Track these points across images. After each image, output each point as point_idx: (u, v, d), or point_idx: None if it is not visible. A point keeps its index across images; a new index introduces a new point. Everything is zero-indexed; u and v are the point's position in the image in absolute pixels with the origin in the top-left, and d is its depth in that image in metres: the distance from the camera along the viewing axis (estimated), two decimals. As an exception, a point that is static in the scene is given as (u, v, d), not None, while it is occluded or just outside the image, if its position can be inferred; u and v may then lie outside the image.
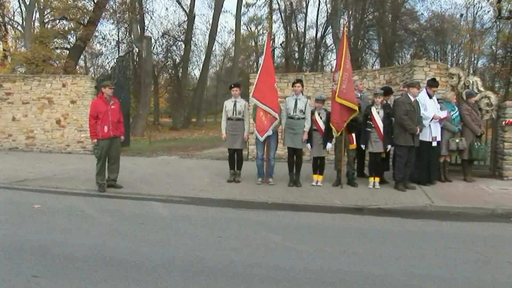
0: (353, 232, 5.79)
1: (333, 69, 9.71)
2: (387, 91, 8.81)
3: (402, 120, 7.98)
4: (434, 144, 8.44)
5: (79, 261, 4.42)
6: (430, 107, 8.31)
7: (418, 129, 7.99)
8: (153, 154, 14.53)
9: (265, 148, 8.68)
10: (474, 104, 8.99)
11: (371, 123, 8.19)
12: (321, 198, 7.58)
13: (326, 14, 37.67)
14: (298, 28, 41.29)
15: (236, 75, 35.18)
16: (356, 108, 8.13)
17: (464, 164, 9.10)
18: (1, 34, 28.63)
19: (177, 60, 35.45)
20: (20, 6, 29.02)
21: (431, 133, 8.38)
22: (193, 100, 35.15)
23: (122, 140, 8.49)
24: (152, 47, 30.05)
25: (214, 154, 14.49)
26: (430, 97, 8.45)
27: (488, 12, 30.87)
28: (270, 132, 8.45)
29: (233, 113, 8.76)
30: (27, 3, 24.07)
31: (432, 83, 8.52)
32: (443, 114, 8.45)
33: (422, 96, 8.38)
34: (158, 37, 33.72)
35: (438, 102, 8.64)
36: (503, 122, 9.12)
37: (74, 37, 25.95)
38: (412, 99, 8.09)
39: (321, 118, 8.39)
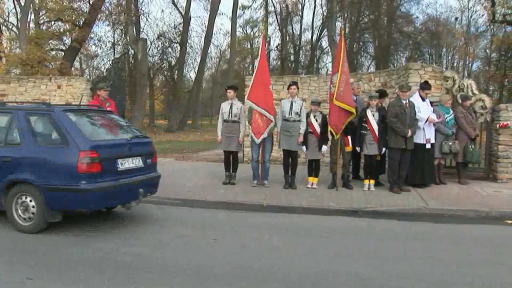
0: (348, 234, 5.81)
1: (329, 72, 9.74)
2: (381, 94, 8.85)
3: (391, 123, 8.02)
4: (428, 146, 8.48)
5: (72, 263, 4.41)
6: (423, 110, 8.35)
7: (410, 132, 8.01)
8: (149, 156, 14.47)
9: (260, 151, 8.69)
10: (469, 107, 9.04)
11: (366, 125, 8.21)
12: (317, 200, 7.60)
13: (321, 16, 37.89)
14: (294, 31, 41.48)
15: (231, 77, 35.19)
16: (354, 111, 8.15)
17: (459, 167, 9.13)
18: (-5, 35, 28.54)
19: (173, 62, 35.46)
20: (15, 7, 29.03)
21: (425, 135, 8.42)
22: (189, 102, 35.12)
23: None
24: (147, 49, 30.01)
25: (210, 156, 14.48)
26: (423, 99, 8.50)
27: (483, 15, 31.08)
28: (265, 135, 8.46)
29: (229, 115, 8.75)
30: (22, 4, 24.01)
31: (425, 86, 8.58)
32: (437, 119, 8.49)
33: (415, 99, 8.43)
34: (153, 39, 33.78)
35: (433, 105, 8.69)
36: (497, 125, 9.17)
37: (70, 39, 25.86)
38: (403, 102, 8.12)
39: (316, 120, 8.41)
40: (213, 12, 32.42)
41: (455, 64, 39.36)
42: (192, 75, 40.95)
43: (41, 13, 25.32)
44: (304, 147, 8.52)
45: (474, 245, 5.32)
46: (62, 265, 4.36)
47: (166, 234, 5.63)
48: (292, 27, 41.10)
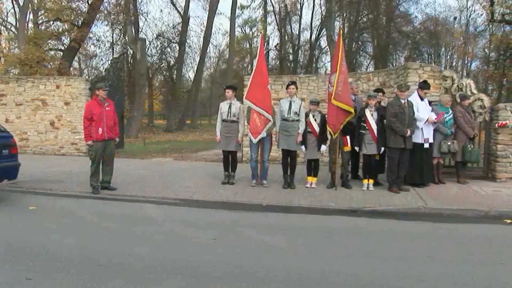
0: (348, 234, 5.80)
1: (328, 71, 9.72)
2: (379, 91, 8.91)
3: (390, 123, 8.02)
4: (426, 145, 8.47)
5: (70, 262, 4.40)
6: (421, 109, 8.35)
7: (409, 132, 8.01)
8: (147, 156, 14.49)
9: (259, 150, 8.69)
10: (468, 107, 9.04)
11: (365, 125, 8.21)
12: (316, 200, 7.59)
13: (320, 16, 37.90)
14: (293, 30, 41.51)
15: (230, 77, 35.22)
16: (352, 110, 8.14)
17: (457, 166, 9.14)
18: (-6, 35, 28.51)
19: (172, 62, 35.47)
20: (13, 7, 28.95)
21: (423, 134, 8.41)
22: (188, 102, 35.12)
23: (116, 142, 8.50)
24: (146, 49, 30.02)
25: (209, 156, 14.48)
26: (422, 99, 8.50)
27: (481, 15, 31.16)
28: (263, 134, 8.46)
29: (228, 115, 8.75)
30: (21, 4, 23.97)
31: (424, 86, 8.57)
32: (435, 116, 8.48)
33: (413, 99, 8.42)
34: (152, 39, 33.83)
35: (431, 105, 8.68)
36: (496, 124, 9.17)
37: (68, 39, 25.85)
38: (402, 101, 8.12)
39: (315, 120, 8.40)
40: (212, 12, 32.44)
41: (453, 64, 39.41)
42: (191, 75, 41.00)
43: (39, 13, 25.28)
44: (303, 147, 8.52)
45: (474, 245, 5.31)
46: (61, 265, 4.34)
47: (165, 234, 5.62)
48: (291, 26, 41.13)
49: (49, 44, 25.43)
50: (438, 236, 5.71)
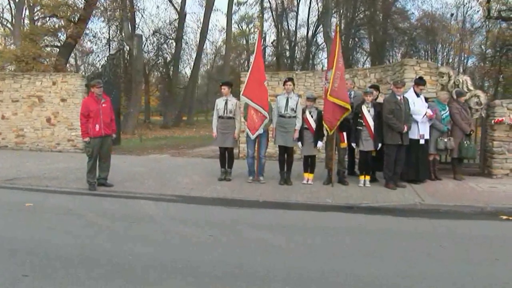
0: (347, 231, 5.78)
1: (325, 68, 9.72)
2: (375, 88, 8.93)
3: (387, 119, 8.02)
4: (422, 142, 8.48)
5: (68, 261, 4.39)
6: (417, 105, 8.35)
7: (406, 128, 8.01)
8: (144, 153, 14.48)
9: (256, 147, 8.69)
10: (464, 103, 9.06)
11: (362, 121, 8.21)
12: (312, 196, 7.60)
13: (317, 12, 37.88)
14: (289, 27, 41.40)
15: (227, 73, 35.11)
16: (349, 106, 8.14)
17: (454, 163, 9.16)
18: (-11, 32, 28.35)
19: (168, 58, 35.42)
20: (9, 3, 28.71)
21: (419, 130, 8.42)
22: (184, 99, 35.06)
23: (113, 138, 8.49)
24: (143, 45, 29.93)
25: (205, 152, 14.47)
26: (418, 95, 8.50)
27: (478, 12, 31.18)
28: (261, 131, 8.45)
29: (224, 111, 8.75)
30: (16, 0, 23.82)
31: (419, 82, 8.57)
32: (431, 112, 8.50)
33: (409, 95, 8.43)
34: (149, 35, 33.74)
35: (428, 102, 8.69)
36: (492, 121, 9.20)
37: (64, 35, 25.70)
38: (398, 97, 8.12)
39: (312, 116, 8.41)
40: (209, 8, 32.32)
41: (450, 60, 39.40)
42: (188, 71, 40.94)
43: (35, 9, 25.10)
44: (299, 143, 8.52)
45: (470, 241, 5.32)
46: (59, 263, 4.33)
47: (164, 233, 5.59)
48: (287, 23, 41.02)
49: (45, 40, 25.27)
50: (437, 233, 5.71)
